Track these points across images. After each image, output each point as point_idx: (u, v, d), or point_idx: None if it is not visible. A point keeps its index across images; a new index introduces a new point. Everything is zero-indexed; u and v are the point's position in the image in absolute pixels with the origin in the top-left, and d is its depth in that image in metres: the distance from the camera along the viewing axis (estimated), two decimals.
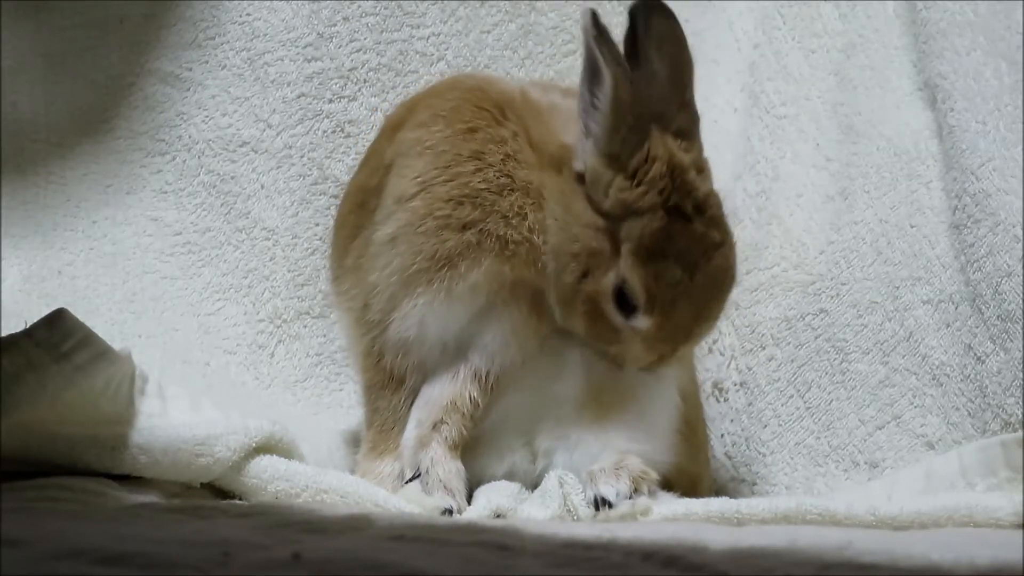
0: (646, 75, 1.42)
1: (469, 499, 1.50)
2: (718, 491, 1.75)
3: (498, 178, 1.47)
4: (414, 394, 1.54)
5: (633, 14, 1.44)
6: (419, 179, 1.48)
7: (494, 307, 1.50)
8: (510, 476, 1.56)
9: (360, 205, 1.59)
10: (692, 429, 1.60)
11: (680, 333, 1.47)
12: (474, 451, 1.55)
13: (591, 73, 1.42)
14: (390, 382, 1.54)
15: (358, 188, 1.63)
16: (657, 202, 1.42)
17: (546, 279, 1.49)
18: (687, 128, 1.46)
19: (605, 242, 1.44)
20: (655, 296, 1.43)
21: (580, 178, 1.46)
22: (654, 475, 1.48)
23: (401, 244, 1.48)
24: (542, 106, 1.54)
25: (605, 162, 1.43)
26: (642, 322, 1.45)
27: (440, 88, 1.62)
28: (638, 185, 1.42)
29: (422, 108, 1.55)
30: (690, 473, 1.60)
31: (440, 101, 1.53)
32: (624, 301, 1.45)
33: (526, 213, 1.47)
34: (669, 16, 1.45)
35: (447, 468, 1.48)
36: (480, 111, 1.50)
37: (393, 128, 1.58)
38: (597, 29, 1.40)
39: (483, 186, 1.46)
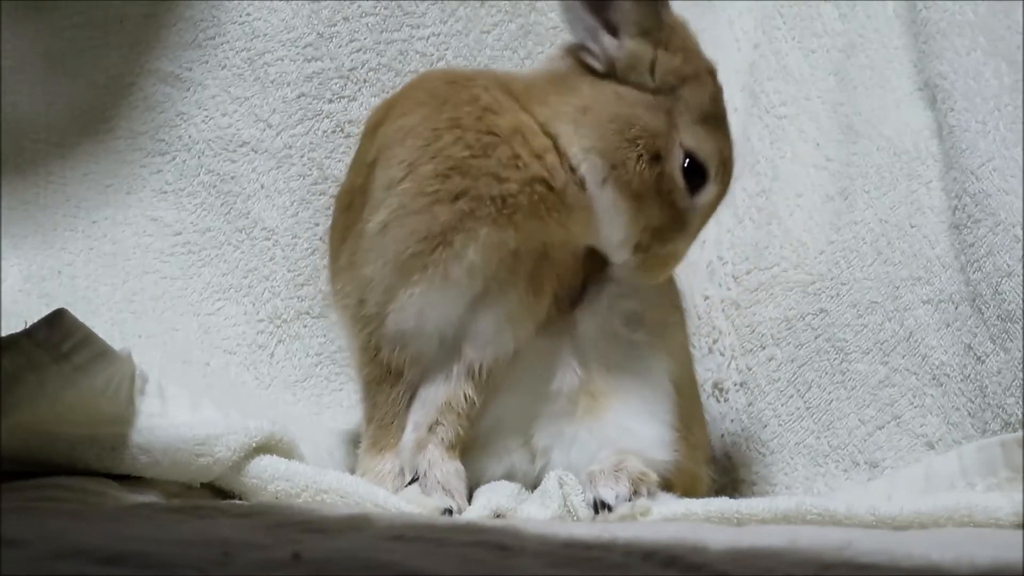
0: None
1: (469, 499, 1.50)
2: (718, 491, 1.75)
3: (479, 139, 1.45)
4: (412, 388, 1.53)
5: None
6: (404, 162, 1.46)
7: (489, 292, 1.49)
8: (509, 477, 1.56)
9: (348, 207, 1.58)
10: (688, 426, 1.59)
11: (721, 201, 1.54)
12: (473, 453, 1.54)
13: None
14: (388, 376, 1.53)
15: (346, 191, 1.62)
16: (700, 65, 1.51)
17: (575, 202, 1.47)
18: None
19: (661, 118, 1.47)
20: (726, 162, 1.50)
21: (603, 76, 1.49)
22: (653, 476, 1.48)
23: (394, 228, 1.46)
24: (506, 72, 1.58)
25: (640, 41, 1.48)
26: (710, 192, 1.50)
27: (414, 83, 1.62)
28: (675, 53, 1.48)
29: (401, 102, 1.55)
30: (689, 471, 1.59)
31: (418, 92, 1.54)
32: (690, 177, 1.48)
33: (520, 155, 1.46)
34: None
35: (445, 469, 1.48)
36: (452, 84, 1.51)
37: (374, 128, 1.58)
38: None
39: (465, 153, 1.45)
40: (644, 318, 1.57)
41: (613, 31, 1.48)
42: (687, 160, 1.47)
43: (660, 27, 1.48)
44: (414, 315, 1.48)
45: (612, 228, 1.50)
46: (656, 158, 1.46)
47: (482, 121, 1.46)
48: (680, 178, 1.47)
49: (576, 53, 1.52)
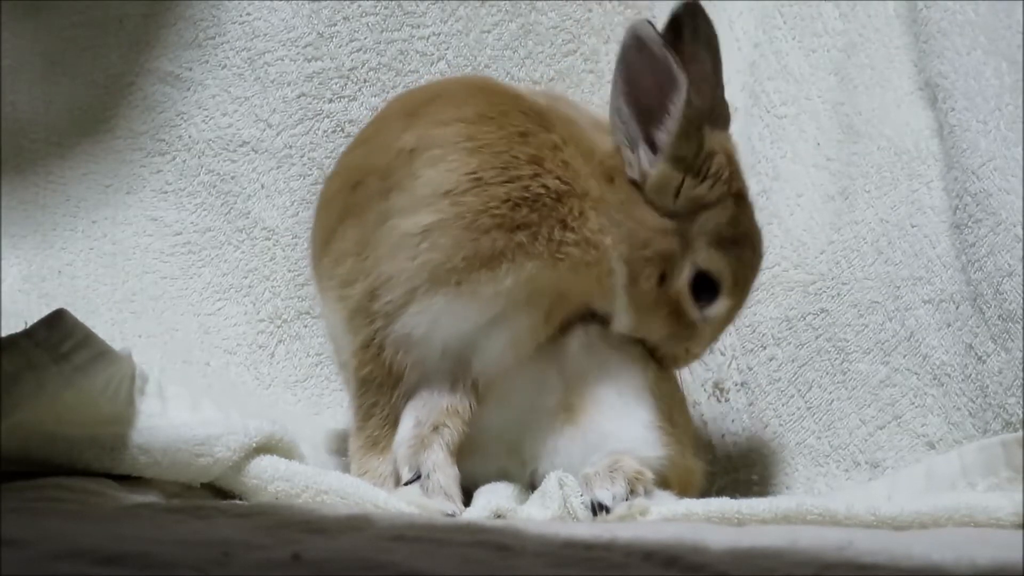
0: (699, 77, 1.49)
1: (467, 501, 1.49)
2: (718, 491, 1.75)
3: (557, 185, 1.47)
4: (411, 390, 1.52)
5: (679, 18, 1.52)
6: (474, 175, 1.44)
7: (506, 314, 1.48)
8: (504, 479, 1.56)
9: (356, 184, 1.52)
10: (672, 422, 1.58)
11: (740, 310, 1.62)
12: (467, 456, 1.53)
13: (631, 83, 1.49)
14: (389, 377, 1.50)
15: (354, 167, 1.56)
16: (725, 191, 1.54)
17: (608, 287, 1.51)
18: (726, 118, 1.58)
19: (675, 243, 1.52)
20: (740, 279, 1.57)
21: (633, 185, 1.52)
22: (649, 474, 1.47)
23: (439, 236, 1.43)
24: (570, 117, 1.57)
25: (672, 166, 1.50)
26: (721, 306, 1.56)
27: (457, 86, 1.61)
28: (703, 180, 1.52)
29: (449, 103, 1.52)
30: (683, 465, 1.58)
31: (478, 100, 1.51)
32: (702, 290, 1.55)
33: (589, 216, 1.49)
34: (708, 18, 1.54)
35: (448, 474, 1.47)
36: (527, 116, 1.50)
37: (408, 114, 1.53)
38: (663, 37, 1.46)
39: (542, 191, 1.46)
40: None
41: (652, 146, 1.51)
42: (696, 275, 1.54)
43: (696, 155, 1.51)
44: (427, 322, 1.46)
45: (624, 326, 1.56)
46: (663, 278, 1.52)
47: (564, 170, 1.48)
48: (687, 292, 1.54)
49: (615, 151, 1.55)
